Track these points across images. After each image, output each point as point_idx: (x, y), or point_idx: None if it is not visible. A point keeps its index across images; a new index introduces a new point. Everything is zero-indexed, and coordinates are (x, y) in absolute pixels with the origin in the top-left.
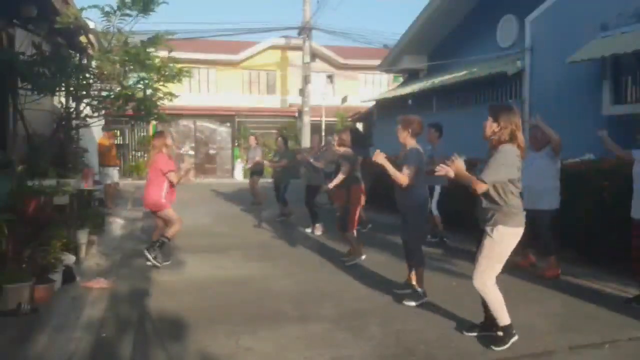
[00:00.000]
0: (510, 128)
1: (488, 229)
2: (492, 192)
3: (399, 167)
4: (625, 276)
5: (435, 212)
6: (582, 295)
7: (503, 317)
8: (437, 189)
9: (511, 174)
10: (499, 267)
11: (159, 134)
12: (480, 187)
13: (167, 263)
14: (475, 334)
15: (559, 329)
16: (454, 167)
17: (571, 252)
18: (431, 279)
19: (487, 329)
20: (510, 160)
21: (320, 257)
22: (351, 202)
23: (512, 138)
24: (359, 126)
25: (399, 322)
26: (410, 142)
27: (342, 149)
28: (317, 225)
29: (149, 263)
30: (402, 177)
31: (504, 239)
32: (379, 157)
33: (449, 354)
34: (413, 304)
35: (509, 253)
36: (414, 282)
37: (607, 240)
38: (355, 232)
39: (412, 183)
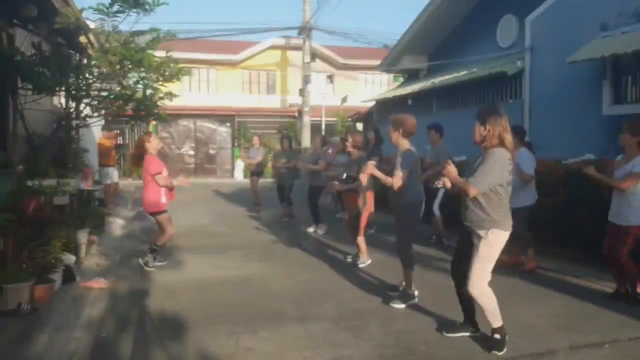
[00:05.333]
0: (497, 130)
1: (482, 232)
2: (482, 198)
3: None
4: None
5: (437, 213)
6: (582, 295)
7: (498, 320)
8: (442, 190)
9: (501, 178)
10: (490, 271)
11: (144, 135)
12: (472, 192)
13: (163, 263)
14: (468, 333)
15: (559, 329)
16: (446, 172)
17: (572, 252)
18: (431, 279)
19: (468, 329)
20: (500, 165)
21: (321, 257)
22: (365, 207)
23: (501, 141)
24: (359, 126)
25: (399, 322)
26: (403, 143)
27: (355, 152)
28: (321, 224)
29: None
30: (394, 180)
31: (499, 241)
32: (370, 170)
33: (449, 354)
34: (402, 305)
35: (498, 255)
36: (404, 283)
37: None
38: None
39: (403, 185)
